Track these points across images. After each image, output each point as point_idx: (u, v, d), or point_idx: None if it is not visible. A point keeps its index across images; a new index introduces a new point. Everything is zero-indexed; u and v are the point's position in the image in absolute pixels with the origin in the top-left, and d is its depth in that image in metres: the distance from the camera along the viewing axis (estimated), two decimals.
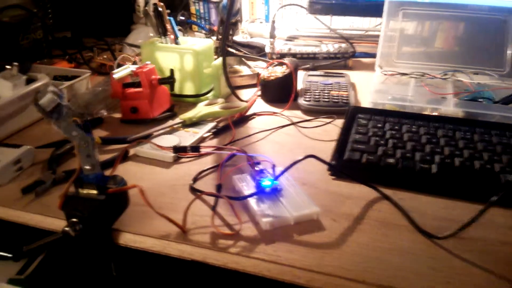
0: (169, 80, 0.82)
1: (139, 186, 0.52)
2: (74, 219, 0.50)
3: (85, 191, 0.52)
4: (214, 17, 1.41)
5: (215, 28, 1.24)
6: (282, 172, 0.57)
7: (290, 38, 1.25)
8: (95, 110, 0.84)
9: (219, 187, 0.60)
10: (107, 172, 0.55)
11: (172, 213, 0.54)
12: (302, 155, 0.57)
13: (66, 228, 0.49)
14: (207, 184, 0.62)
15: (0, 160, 0.63)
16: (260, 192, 0.56)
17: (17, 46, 0.97)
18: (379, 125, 0.71)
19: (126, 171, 0.65)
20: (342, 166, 0.63)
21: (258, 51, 1.17)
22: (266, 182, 0.57)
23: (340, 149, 0.67)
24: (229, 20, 0.91)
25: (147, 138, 0.73)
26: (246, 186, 0.59)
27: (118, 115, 0.84)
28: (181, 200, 0.58)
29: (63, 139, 0.70)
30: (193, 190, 0.60)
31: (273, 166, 0.60)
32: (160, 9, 0.89)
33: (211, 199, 0.58)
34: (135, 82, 0.81)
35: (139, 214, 0.55)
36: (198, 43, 0.89)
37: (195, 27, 1.41)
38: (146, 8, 1.08)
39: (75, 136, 0.49)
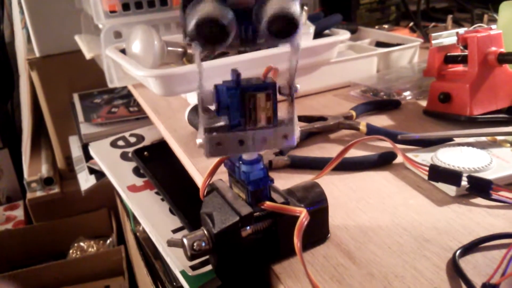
0: None
1: (304, 213, 0.27)
2: (205, 230, 0.30)
3: (236, 190, 0.31)
4: None
5: None
6: None
7: None
8: (396, 90, 0.58)
9: None
10: (307, 176, 0.31)
11: None
12: None
13: (184, 239, 0.30)
14: (485, 270, 0.28)
15: None
16: None
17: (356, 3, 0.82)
18: None
19: (361, 183, 0.39)
20: None
21: None
22: None
23: None
24: None
25: (431, 144, 0.43)
26: None
27: (424, 103, 0.55)
28: (415, 283, 0.28)
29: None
30: (457, 271, 0.28)
31: None
32: None
33: None
34: (461, 55, 0.51)
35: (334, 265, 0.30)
36: None
37: None
38: None
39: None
